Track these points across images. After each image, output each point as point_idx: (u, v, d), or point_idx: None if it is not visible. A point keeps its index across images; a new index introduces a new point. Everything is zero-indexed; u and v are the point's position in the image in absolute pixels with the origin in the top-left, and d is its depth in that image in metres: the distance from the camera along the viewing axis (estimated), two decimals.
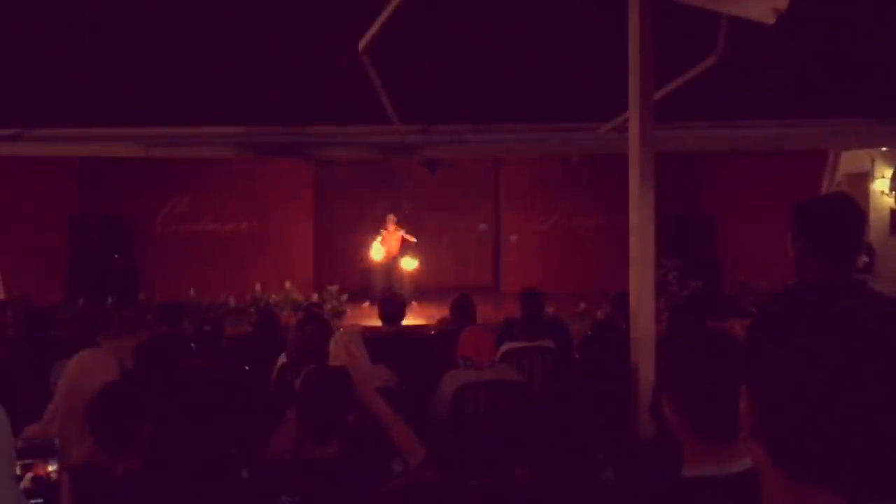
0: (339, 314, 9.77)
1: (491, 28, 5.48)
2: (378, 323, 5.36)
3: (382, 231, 11.18)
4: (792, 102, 6.90)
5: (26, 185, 9.44)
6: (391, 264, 11.11)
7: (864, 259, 10.17)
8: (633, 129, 4.07)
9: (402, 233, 11.24)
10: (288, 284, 10.45)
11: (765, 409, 0.82)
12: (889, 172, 11.73)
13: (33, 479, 1.68)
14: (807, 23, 4.60)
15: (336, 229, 12.67)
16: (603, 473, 2.31)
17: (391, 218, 11.23)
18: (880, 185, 11.78)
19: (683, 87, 5.74)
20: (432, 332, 5.71)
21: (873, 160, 11.76)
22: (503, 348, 4.79)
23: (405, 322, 5.58)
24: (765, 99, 6.78)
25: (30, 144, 7.32)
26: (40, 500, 1.70)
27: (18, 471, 1.65)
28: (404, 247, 11.26)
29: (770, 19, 2.73)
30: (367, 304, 10.85)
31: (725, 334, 1.70)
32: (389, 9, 4.80)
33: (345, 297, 10.34)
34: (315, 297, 10.10)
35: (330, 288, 10.57)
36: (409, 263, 11.19)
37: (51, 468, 1.71)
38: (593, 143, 7.76)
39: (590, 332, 4.88)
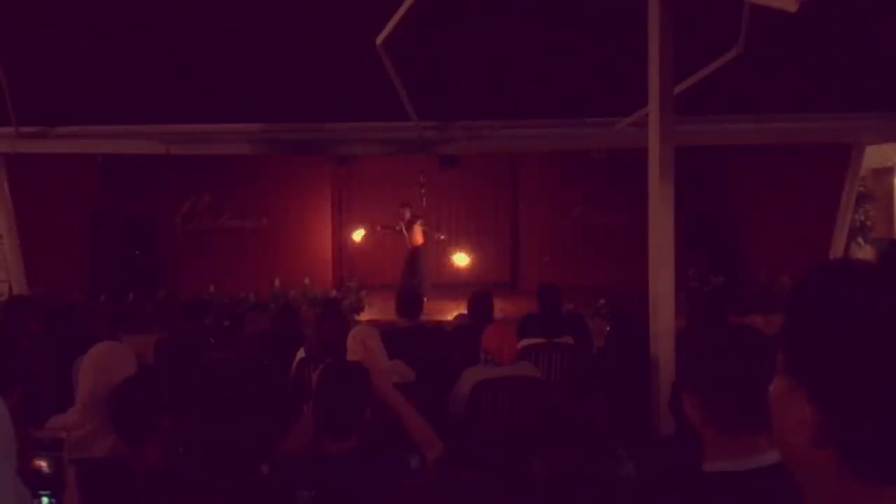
0: (357, 309, 9.80)
1: (508, 23, 5.46)
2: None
3: (400, 223, 11.20)
4: (815, 96, 6.80)
5: (49, 183, 9.54)
6: (417, 257, 11.10)
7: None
8: (653, 123, 4.04)
9: (419, 224, 11.23)
10: (307, 280, 10.49)
11: (841, 413, 0.72)
12: None
13: (30, 473, 1.68)
14: (830, 14, 4.53)
15: (355, 225, 12.69)
16: (622, 469, 2.30)
17: (405, 212, 11.23)
18: None
19: (704, 80, 5.68)
20: (449, 329, 5.70)
21: None
22: (521, 344, 4.77)
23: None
24: (787, 92, 6.69)
25: (53, 141, 7.39)
26: (48, 493, 1.71)
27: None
28: (428, 238, 11.25)
29: (792, 7, 2.69)
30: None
31: (747, 328, 1.67)
32: (407, 4, 4.79)
33: (365, 292, 10.37)
34: (334, 292, 10.15)
35: (349, 283, 10.61)
36: (461, 259, 11.44)
37: (44, 462, 1.71)
38: (613, 138, 7.70)
39: (609, 328, 4.85)
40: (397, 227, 11.21)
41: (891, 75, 6.14)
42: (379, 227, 11.46)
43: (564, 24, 5.47)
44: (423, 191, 11.96)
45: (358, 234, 11.53)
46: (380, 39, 5.24)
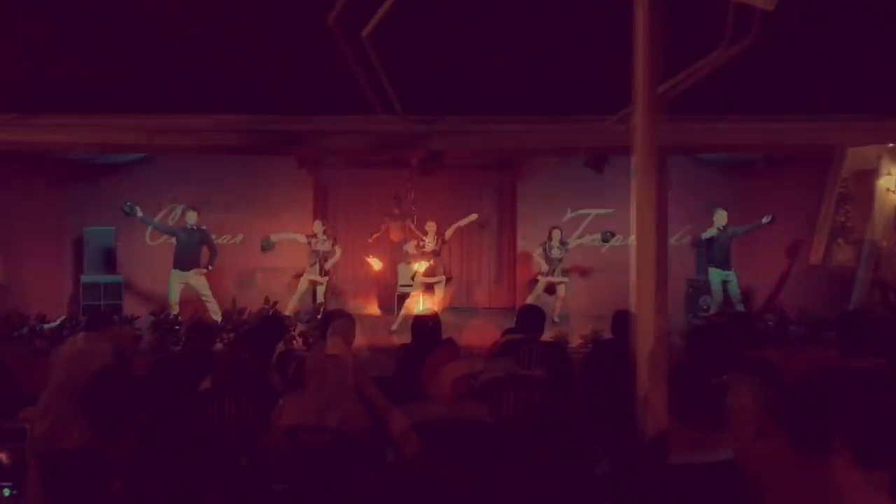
0: (340, 304, 9.79)
1: (496, 18, 5.44)
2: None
3: (386, 219, 11.17)
4: (799, 98, 6.85)
5: (30, 174, 9.43)
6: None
7: None
8: (638, 121, 4.03)
9: (408, 224, 11.21)
10: (290, 273, 10.45)
11: (788, 401, 0.86)
12: (895, 169, 11.64)
13: None
14: (814, 16, 4.56)
15: (339, 219, 12.63)
16: (598, 467, 2.30)
17: (394, 207, 11.21)
18: (886, 182, 11.67)
19: (690, 80, 5.69)
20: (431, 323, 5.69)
21: (879, 157, 11.65)
22: (504, 339, 4.78)
23: None
24: (771, 94, 6.73)
25: (33, 131, 7.31)
26: (9, 484, 1.69)
27: None
28: (409, 239, 11.22)
29: (770, 6, 2.71)
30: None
31: (712, 325, 1.70)
32: None
33: (347, 286, 10.35)
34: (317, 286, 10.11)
35: (332, 277, 10.58)
36: (376, 263, 11.24)
37: (4, 453, 1.69)
38: (600, 136, 7.69)
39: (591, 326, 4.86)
40: (383, 227, 11.19)
41: (873, 78, 6.19)
42: (371, 240, 11.42)
43: (553, 19, 5.47)
44: (409, 184, 11.92)
45: (376, 263, 11.46)
46: (365, 31, 5.21)
